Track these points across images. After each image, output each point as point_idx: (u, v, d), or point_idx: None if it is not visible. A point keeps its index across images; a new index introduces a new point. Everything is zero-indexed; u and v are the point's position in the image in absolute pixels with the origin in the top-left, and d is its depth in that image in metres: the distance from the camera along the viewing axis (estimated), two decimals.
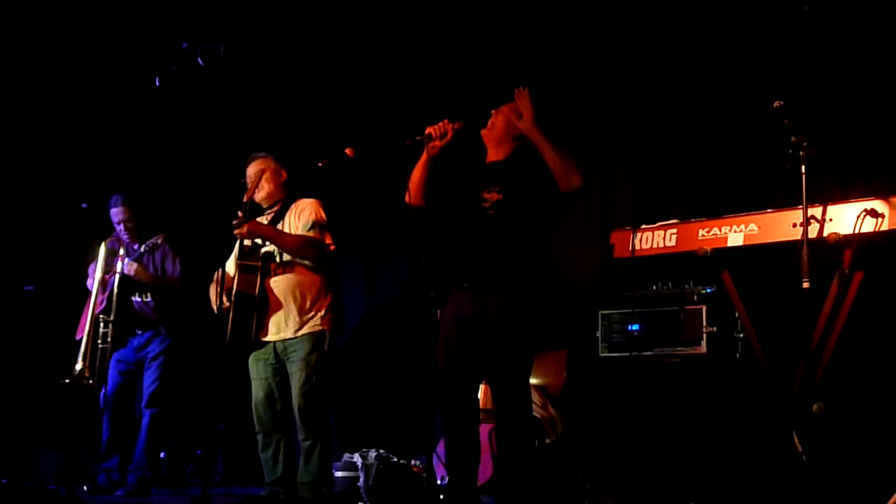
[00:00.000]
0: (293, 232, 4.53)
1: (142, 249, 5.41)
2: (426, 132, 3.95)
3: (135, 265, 5.39)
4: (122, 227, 5.61)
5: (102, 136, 6.65)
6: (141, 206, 5.63)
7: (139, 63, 6.07)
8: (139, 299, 5.55)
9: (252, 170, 4.63)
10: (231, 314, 4.43)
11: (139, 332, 5.60)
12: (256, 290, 4.47)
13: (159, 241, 5.46)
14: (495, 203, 3.91)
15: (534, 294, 3.86)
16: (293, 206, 4.62)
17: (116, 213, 5.59)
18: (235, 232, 4.45)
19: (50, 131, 6.57)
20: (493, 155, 4.10)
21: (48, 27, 6.32)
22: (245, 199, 4.51)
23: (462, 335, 3.91)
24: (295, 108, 6.62)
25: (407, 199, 4.09)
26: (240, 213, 4.44)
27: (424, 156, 4.01)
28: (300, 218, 4.55)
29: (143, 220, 5.61)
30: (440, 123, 3.95)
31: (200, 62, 4.89)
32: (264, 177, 4.60)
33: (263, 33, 6.26)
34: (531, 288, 3.86)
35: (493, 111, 4.12)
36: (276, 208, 4.66)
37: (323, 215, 4.57)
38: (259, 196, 4.65)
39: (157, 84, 5.59)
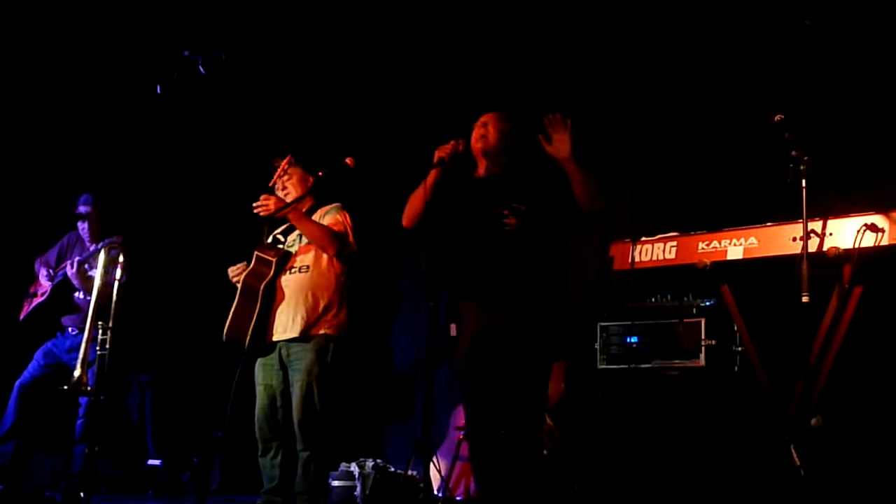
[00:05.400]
0: None
1: (98, 246, 5.34)
2: (437, 156, 3.78)
3: (74, 269, 5.37)
4: (85, 224, 5.61)
5: (106, 140, 6.66)
6: (105, 208, 5.59)
7: (141, 69, 6.08)
8: (80, 296, 5.50)
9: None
10: (234, 304, 4.33)
11: (73, 331, 5.49)
12: (263, 284, 4.33)
13: (118, 241, 5.27)
14: (516, 219, 3.78)
15: (557, 309, 3.81)
16: (319, 210, 4.59)
17: (83, 211, 5.60)
18: (260, 208, 4.35)
19: (54, 136, 6.57)
20: (489, 168, 3.95)
21: (47, 35, 6.33)
22: (270, 184, 4.46)
23: (485, 355, 3.78)
24: (292, 117, 6.61)
25: (404, 223, 3.94)
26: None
27: (431, 179, 3.80)
28: (325, 220, 4.52)
29: (105, 221, 5.57)
30: (450, 144, 3.80)
31: (202, 70, 4.88)
32: (291, 181, 4.57)
33: (259, 45, 6.24)
34: (554, 303, 3.80)
35: (477, 125, 3.95)
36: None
37: (348, 216, 4.50)
38: (287, 200, 4.59)
39: (158, 91, 5.60)
